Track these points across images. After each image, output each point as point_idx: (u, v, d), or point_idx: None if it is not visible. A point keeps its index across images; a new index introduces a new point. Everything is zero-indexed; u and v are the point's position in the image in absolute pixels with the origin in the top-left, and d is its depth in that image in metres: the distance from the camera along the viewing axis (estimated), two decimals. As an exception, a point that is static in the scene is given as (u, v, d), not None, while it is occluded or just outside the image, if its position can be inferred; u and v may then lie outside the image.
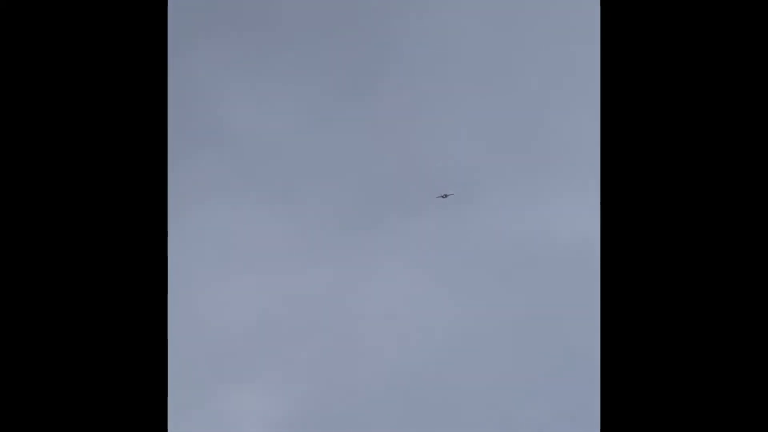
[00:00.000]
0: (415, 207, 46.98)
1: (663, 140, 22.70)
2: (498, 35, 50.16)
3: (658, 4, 22.87)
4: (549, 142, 48.70)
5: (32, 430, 22.27)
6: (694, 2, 22.69)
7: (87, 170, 22.86)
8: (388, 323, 45.64)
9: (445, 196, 43.90)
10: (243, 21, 50.20)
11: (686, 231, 22.54)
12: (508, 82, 49.69)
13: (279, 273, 46.78)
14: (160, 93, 23.38)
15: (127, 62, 23.15)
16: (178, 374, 29.93)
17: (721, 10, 22.62)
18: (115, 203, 22.78)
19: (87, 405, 22.40)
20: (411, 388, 44.03)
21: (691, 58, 22.76)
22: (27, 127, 22.96)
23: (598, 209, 45.21)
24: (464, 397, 43.75)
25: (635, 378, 22.66)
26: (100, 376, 22.44)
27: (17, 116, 22.95)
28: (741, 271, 22.17)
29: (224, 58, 49.41)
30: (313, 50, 49.57)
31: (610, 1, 23.35)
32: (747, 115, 22.35)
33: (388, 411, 43.70)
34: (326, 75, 49.47)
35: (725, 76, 22.57)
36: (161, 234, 22.93)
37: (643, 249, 22.78)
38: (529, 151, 48.40)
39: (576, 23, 48.56)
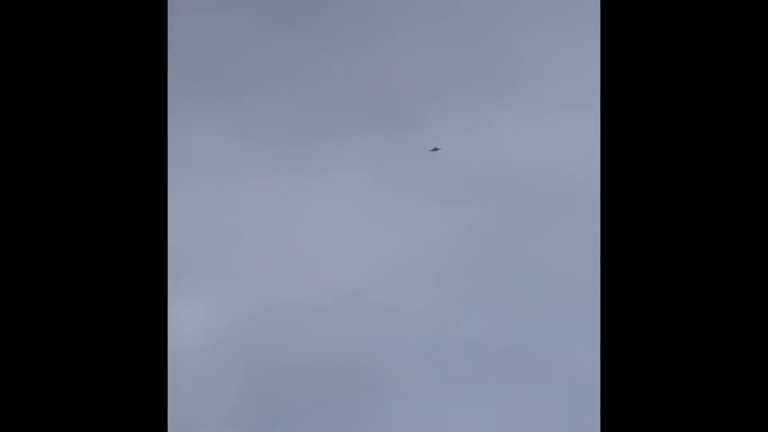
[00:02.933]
0: (365, 124, 46.82)
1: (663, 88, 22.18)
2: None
3: None
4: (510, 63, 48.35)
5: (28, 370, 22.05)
6: None
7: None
8: (334, 237, 45.65)
9: (435, 149, 44.81)
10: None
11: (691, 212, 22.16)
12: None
13: (225, 183, 46.48)
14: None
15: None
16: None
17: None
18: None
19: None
20: (353, 301, 44.20)
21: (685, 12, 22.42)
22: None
23: (552, 127, 44.99)
24: (404, 312, 44.01)
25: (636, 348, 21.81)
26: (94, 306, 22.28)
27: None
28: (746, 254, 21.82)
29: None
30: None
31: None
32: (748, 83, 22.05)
33: (329, 324, 43.88)
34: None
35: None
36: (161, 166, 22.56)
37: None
38: (490, 72, 48.11)
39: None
